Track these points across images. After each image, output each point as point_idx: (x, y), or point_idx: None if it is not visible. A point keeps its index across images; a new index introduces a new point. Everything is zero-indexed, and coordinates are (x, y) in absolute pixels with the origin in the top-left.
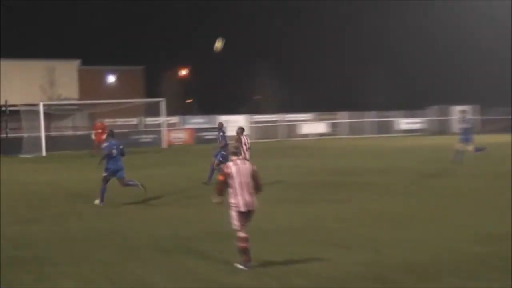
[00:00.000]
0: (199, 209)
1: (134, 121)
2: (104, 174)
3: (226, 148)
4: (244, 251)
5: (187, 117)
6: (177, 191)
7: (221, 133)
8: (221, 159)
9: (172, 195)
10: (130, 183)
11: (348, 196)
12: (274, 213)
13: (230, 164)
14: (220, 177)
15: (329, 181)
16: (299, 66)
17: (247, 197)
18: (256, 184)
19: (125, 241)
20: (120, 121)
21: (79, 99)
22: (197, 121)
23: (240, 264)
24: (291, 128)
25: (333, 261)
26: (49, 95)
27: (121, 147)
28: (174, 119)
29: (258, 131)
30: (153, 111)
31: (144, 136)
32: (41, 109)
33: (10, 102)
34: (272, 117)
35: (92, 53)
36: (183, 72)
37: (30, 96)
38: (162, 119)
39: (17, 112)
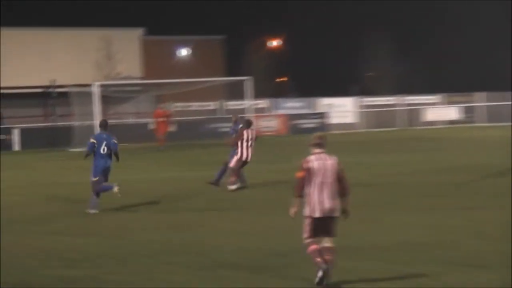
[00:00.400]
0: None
1: (211, 105)
2: (94, 179)
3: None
4: (318, 252)
5: (279, 100)
6: (265, 195)
7: (234, 128)
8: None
9: (257, 200)
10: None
11: (484, 202)
12: (387, 224)
13: (312, 157)
14: (299, 174)
15: (458, 183)
16: (422, 34)
17: (327, 201)
18: (343, 185)
19: (201, 257)
20: (194, 105)
21: (142, 78)
22: (293, 105)
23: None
24: (413, 113)
25: (468, 284)
26: (105, 73)
27: (114, 141)
28: (263, 103)
29: (369, 118)
30: (236, 92)
31: (224, 124)
32: (96, 90)
33: (58, 82)
34: (388, 100)
35: (158, 20)
36: (274, 43)
37: (82, 74)
38: (248, 103)
39: (66, 94)
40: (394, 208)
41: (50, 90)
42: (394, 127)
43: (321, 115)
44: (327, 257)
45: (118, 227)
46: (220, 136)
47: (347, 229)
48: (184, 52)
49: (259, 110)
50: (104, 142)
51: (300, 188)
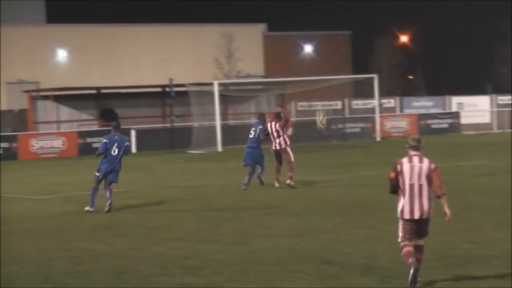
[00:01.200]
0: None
1: (337, 104)
2: (97, 174)
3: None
4: (410, 254)
5: (408, 98)
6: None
7: (259, 127)
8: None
9: (385, 203)
10: (107, 193)
11: None
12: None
13: (404, 160)
14: (391, 174)
15: None
16: None
17: (417, 203)
18: (436, 186)
19: (326, 265)
20: (318, 104)
21: (264, 76)
22: (422, 104)
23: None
24: None
25: None
26: (226, 72)
27: (127, 143)
28: (390, 102)
29: (507, 118)
30: (363, 91)
31: (350, 124)
32: (216, 89)
33: (176, 81)
34: None
35: (281, 15)
36: (403, 38)
37: (201, 72)
38: (375, 101)
39: (184, 94)
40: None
41: (168, 89)
42: None
43: (453, 114)
44: (417, 255)
45: (239, 233)
46: (345, 136)
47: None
48: (308, 48)
49: (386, 110)
50: (116, 144)
51: (392, 187)
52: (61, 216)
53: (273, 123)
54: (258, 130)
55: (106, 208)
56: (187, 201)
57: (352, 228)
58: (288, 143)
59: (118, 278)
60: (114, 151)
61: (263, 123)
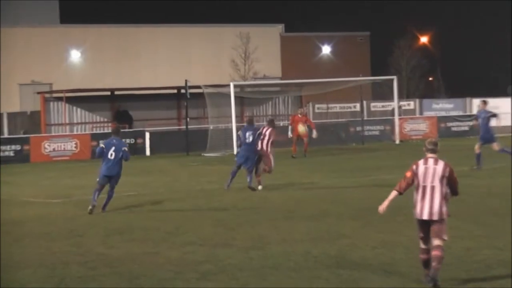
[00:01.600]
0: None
1: (355, 106)
2: (97, 179)
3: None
4: (424, 264)
5: (427, 100)
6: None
7: (250, 132)
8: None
9: (406, 207)
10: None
11: None
12: None
13: (420, 162)
14: (407, 173)
15: None
16: None
17: (427, 204)
18: (450, 188)
19: (343, 270)
20: (337, 106)
21: (282, 77)
22: (442, 107)
23: (423, 278)
24: None
25: None
26: (242, 73)
27: (124, 148)
28: (410, 104)
29: None
30: (382, 93)
31: (368, 127)
32: (232, 91)
33: (191, 83)
34: None
35: (298, 16)
36: (423, 39)
37: (217, 74)
38: (394, 104)
39: (199, 95)
40: None
41: (184, 91)
42: None
43: (474, 117)
44: (434, 252)
45: (255, 237)
46: (364, 139)
47: (506, 242)
48: (326, 49)
49: (406, 112)
50: (113, 148)
51: (403, 184)
52: (74, 220)
53: (266, 128)
54: (256, 136)
55: (89, 208)
56: (203, 205)
57: (370, 232)
58: (269, 150)
59: (132, 283)
60: (111, 154)
61: (272, 127)
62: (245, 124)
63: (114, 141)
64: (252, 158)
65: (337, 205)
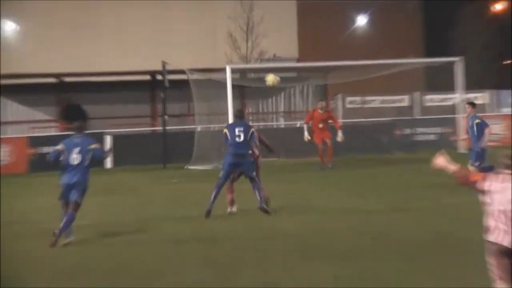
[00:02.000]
0: None
1: (403, 100)
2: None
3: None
4: None
5: (505, 92)
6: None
7: (240, 128)
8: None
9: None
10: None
11: None
12: None
13: (492, 177)
14: (476, 177)
15: None
16: None
17: (504, 230)
18: None
19: None
20: (376, 100)
21: (299, 59)
22: None
23: None
24: None
25: None
26: (243, 53)
27: (93, 146)
28: (480, 97)
29: None
30: (440, 81)
31: (421, 129)
32: (229, 77)
33: (170, 66)
34: None
35: None
36: (497, 7)
37: (208, 54)
38: (458, 96)
39: (182, 83)
40: None
41: (161, 77)
42: None
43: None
44: None
45: (261, 284)
46: (415, 146)
47: None
48: (361, 20)
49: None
50: (77, 149)
51: (470, 177)
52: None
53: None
54: (250, 134)
55: (52, 239)
56: (187, 238)
57: (426, 279)
58: (258, 154)
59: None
60: (75, 158)
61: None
62: (232, 118)
63: (78, 140)
64: (247, 163)
65: (375, 239)
